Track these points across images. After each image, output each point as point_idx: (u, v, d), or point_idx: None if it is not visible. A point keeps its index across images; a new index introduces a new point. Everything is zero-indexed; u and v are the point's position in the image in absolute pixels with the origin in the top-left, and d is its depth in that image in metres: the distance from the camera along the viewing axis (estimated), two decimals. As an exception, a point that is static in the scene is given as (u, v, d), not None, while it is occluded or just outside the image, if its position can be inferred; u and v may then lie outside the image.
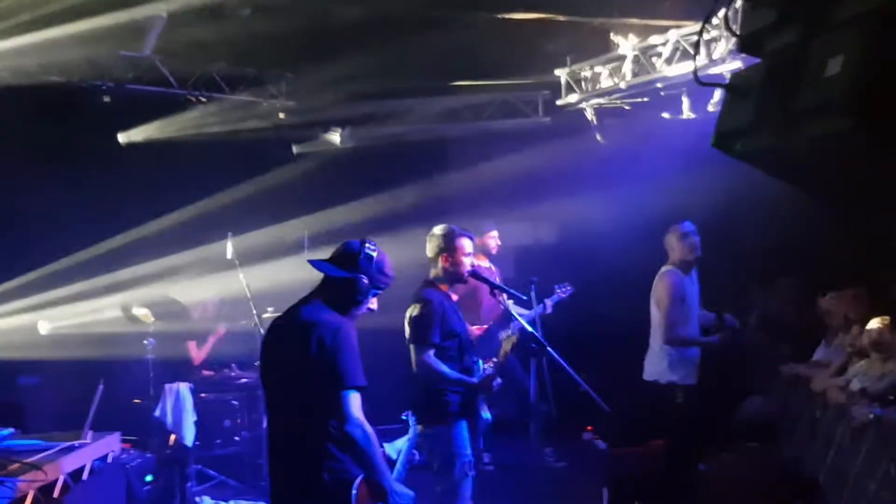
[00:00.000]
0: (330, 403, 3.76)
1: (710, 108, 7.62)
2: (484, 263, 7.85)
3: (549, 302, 8.04)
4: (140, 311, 7.67)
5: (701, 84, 6.61)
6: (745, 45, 2.58)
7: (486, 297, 7.29)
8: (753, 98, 2.40)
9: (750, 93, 2.43)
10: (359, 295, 4.04)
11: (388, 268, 4.17)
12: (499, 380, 5.28)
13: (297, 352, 3.85)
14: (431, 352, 5.17)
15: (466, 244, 5.41)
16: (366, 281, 4.03)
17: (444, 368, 5.17)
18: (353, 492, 3.75)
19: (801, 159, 2.39)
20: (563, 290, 8.22)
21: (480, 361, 5.46)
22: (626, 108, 8.75)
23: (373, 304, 4.15)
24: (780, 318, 7.83)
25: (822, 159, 2.31)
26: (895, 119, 1.92)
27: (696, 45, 7.18)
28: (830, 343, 6.92)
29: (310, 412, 3.82)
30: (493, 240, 8.20)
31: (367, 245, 4.10)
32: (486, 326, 7.74)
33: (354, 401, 3.78)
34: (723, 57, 6.79)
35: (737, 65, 6.59)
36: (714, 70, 6.84)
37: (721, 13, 2.60)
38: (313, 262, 4.14)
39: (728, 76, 5.77)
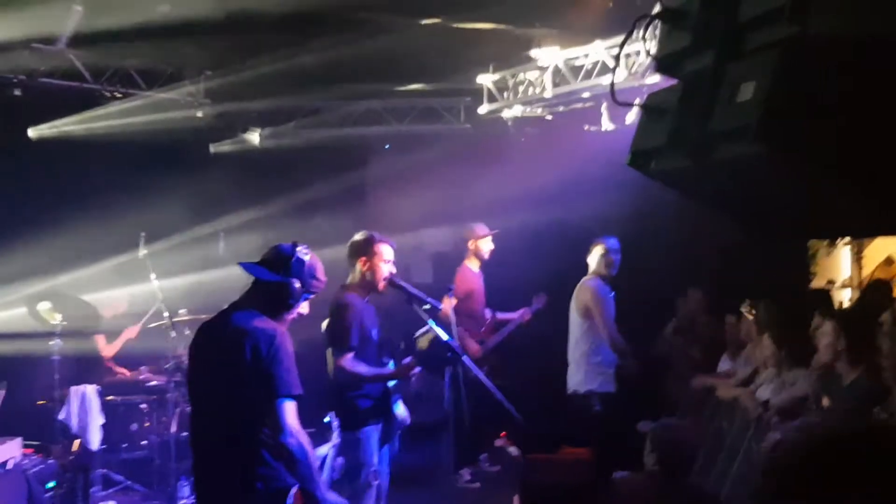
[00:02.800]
0: (264, 412, 3.72)
1: (629, 121, 7.71)
2: (475, 268, 7.88)
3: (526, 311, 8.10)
4: (44, 307, 7.44)
5: (618, 103, 6.70)
6: (662, 66, 2.60)
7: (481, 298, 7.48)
8: (669, 119, 2.42)
9: (666, 113, 2.45)
10: (291, 299, 4.02)
11: (320, 272, 4.16)
12: (418, 368, 5.27)
13: (230, 359, 3.79)
14: (350, 355, 5.16)
15: (386, 250, 5.41)
16: (298, 285, 4.01)
17: (362, 368, 5.19)
18: (289, 501, 3.71)
19: (713, 182, 2.42)
20: (538, 299, 8.21)
21: (392, 363, 5.45)
22: (548, 118, 8.82)
23: (304, 308, 4.14)
24: (694, 327, 7.97)
25: (733, 183, 2.34)
26: (801, 146, 1.96)
27: (615, 63, 7.25)
28: (733, 356, 7.01)
29: (243, 420, 3.77)
30: (487, 243, 7.89)
31: (298, 248, 4.08)
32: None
33: (290, 410, 3.75)
34: (642, 71, 6.88)
35: (656, 79, 6.68)
36: (634, 84, 6.93)
37: (639, 34, 2.61)
38: (245, 265, 4.10)
39: (646, 90, 5.85)
